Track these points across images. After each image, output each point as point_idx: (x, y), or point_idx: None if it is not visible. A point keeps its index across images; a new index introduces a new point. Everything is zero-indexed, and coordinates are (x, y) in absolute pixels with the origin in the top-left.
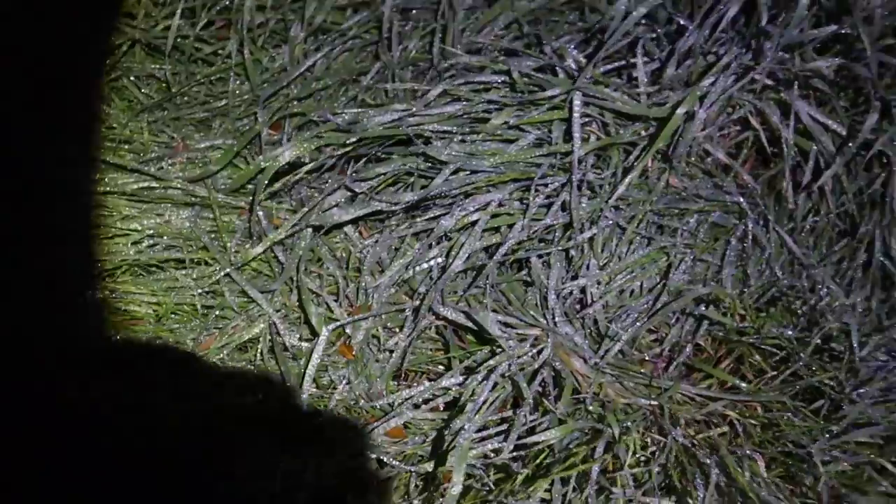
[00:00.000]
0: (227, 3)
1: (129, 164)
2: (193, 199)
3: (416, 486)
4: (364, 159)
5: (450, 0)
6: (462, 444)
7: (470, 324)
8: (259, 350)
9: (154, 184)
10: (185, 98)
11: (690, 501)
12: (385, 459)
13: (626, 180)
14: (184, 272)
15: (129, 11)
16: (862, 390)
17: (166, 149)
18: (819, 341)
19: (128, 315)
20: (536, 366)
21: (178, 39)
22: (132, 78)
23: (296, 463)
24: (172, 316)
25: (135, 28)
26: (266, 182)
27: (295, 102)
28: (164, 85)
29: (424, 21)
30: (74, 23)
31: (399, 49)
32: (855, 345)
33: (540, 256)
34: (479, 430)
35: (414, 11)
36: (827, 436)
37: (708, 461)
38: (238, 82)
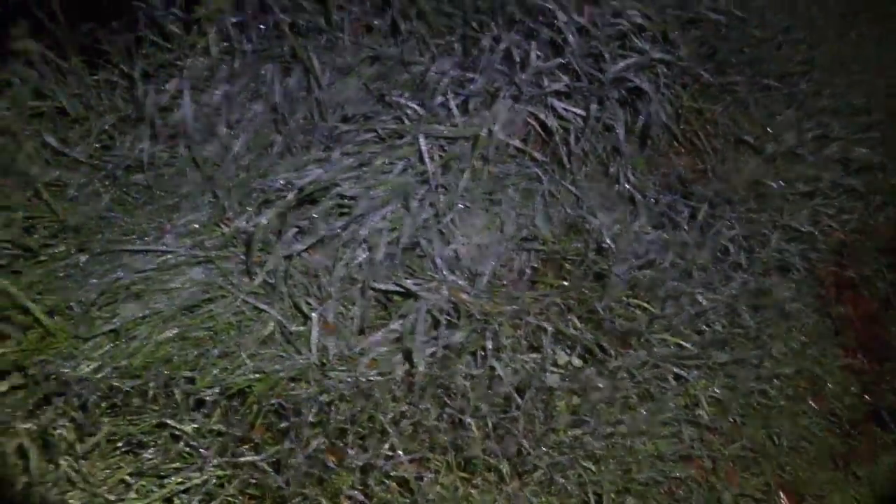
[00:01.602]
0: (173, 121)
1: (144, 247)
2: (196, 258)
3: (395, 386)
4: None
5: (317, 81)
6: (418, 345)
7: (396, 288)
8: (275, 339)
9: (168, 256)
10: (160, 192)
11: (543, 350)
12: (371, 378)
13: (463, 178)
14: (214, 305)
15: (106, 144)
16: (618, 269)
17: (158, 230)
18: (595, 244)
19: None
20: (441, 303)
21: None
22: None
23: None
24: (222, 331)
25: (116, 157)
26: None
27: (235, 178)
28: (142, 187)
29: (302, 97)
30: None
31: (293, 122)
32: (610, 242)
33: (425, 238)
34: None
35: (293, 91)
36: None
37: (547, 325)
38: (191, 172)
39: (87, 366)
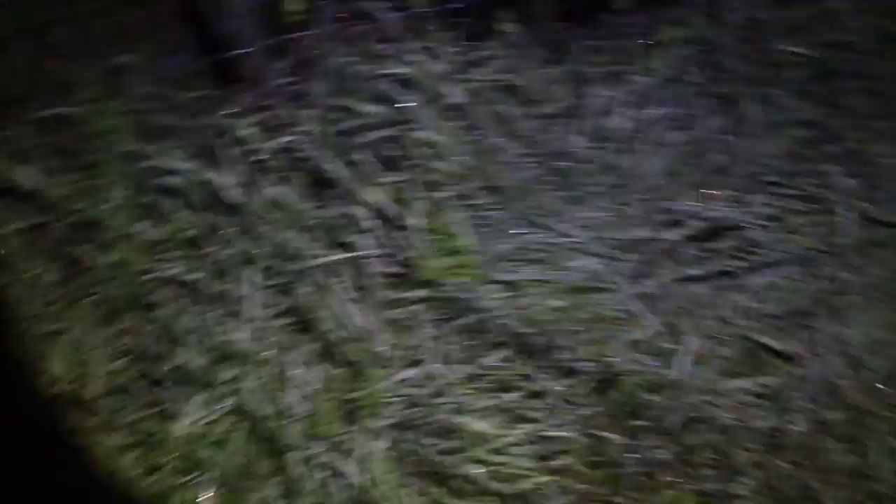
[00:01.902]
0: (604, 125)
1: (553, 224)
2: (594, 250)
3: (753, 435)
4: None
5: (745, 128)
6: (794, 406)
7: (776, 346)
8: (642, 347)
9: (569, 239)
10: (574, 182)
11: None
12: (731, 419)
13: (875, 264)
14: (599, 295)
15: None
16: None
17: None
18: None
19: None
20: (814, 377)
21: None
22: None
23: None
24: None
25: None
26: None
27: (642, 192)
28: (560, 174)
29: (722, 139)
30: None
31: (708, 158)
32: None
33: (816, 310)
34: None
35: (715, 131)
36: None
37: None
38: (604, 174)
39: (487, 301)
